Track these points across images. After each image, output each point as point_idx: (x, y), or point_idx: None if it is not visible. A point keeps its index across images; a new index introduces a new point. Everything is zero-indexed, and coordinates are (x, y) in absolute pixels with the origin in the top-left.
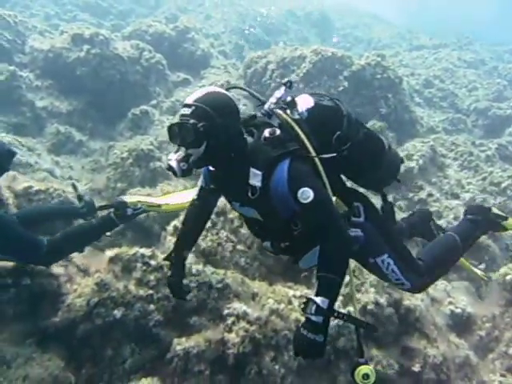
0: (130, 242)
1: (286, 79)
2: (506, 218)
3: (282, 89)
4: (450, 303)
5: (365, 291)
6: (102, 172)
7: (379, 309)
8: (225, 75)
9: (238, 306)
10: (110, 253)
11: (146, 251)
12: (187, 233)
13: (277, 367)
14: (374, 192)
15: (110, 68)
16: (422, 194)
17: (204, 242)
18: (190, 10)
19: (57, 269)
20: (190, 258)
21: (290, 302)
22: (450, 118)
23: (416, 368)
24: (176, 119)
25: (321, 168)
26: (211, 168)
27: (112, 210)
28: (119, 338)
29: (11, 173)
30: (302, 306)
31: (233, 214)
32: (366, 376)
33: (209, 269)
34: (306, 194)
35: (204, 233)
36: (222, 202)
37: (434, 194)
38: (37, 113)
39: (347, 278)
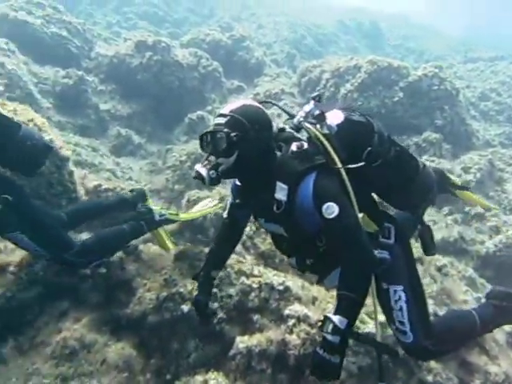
0: (189, 242)
1: (315, 93)
2: None
3: (312, 103)
4: None
5: None
6: (159, 174)
7: None
8: (278, 83)
9: (299, 309)
10: (175, 250)
11: None
12: (217, 252)
13: None
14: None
15: (170, 74)
16: (479, 208)
17: (263, 244)
18: (242, 18)
19: (128, 263)
20: (250, 259)
21: None
22: (507, 132)
23: None
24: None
25: (347, 182)
26: (238, 183)
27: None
28: (185, 332)
29: (82, 171)
30: (320, 323)
31: None
32: None
33: (269, 270)
34: (331, 209)
35: (263, 235)
36: None
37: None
38: (101, 115)
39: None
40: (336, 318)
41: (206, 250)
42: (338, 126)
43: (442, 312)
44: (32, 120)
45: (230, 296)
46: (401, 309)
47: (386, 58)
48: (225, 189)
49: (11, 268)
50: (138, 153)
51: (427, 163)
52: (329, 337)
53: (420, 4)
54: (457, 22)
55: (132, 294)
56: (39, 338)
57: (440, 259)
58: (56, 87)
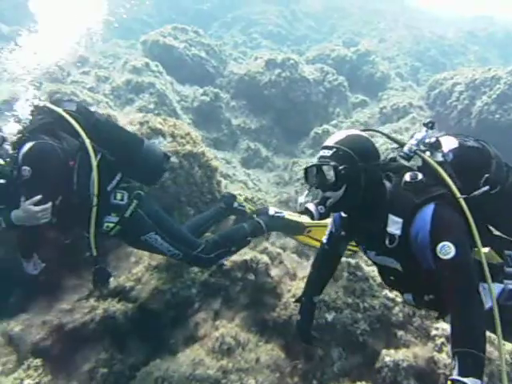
0: None
1: (427, 120)
2: None
3: (423, 130)
4: None
5: None
6: (285, 186)
7: None
8: (405, 97)
9: (446, 327)
10: None
11: (352, 261)
12: (316, 278)
13: None
14: None
15: (297, 89)
16: None
17: None
18: (364, 33)
19: (273, 270)
20: None
21: None
22: None
23: None
24: (314, 161)
25: (469, 214)
26: (343, 214)
27: (259, 215)
28: (328, 340)
29: (224, 181)
30: None
31: None
32: None
33: None
34: (447, 250)
35: None
36: None
37: None
38: (232, 130)
39: None
40: (469, 381)
41: (349, 260)
42: (453, 152)
43: None
44: (188, 134)
45: (373, 308)
46: None
47: None
48: None
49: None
50: (265, 165)
51: None
52: None
53: None
54: None
55: (278, 299)
56: (200, 333)
57: None
58: (194, 103)
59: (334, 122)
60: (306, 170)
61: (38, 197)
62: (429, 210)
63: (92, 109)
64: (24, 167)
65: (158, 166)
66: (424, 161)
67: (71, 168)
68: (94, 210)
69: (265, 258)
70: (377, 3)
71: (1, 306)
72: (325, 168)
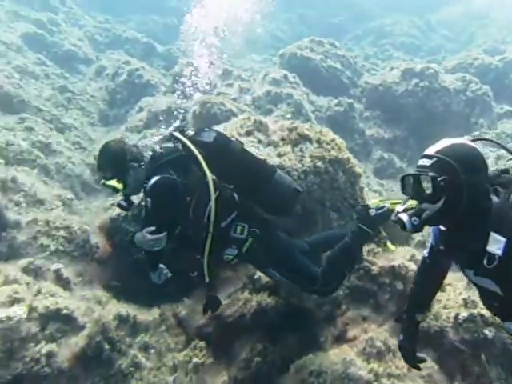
0: None
1: None
2: None
3: None
4: None
5: None
6: None
7: None
8: None
9: None
10: None
11: None
12: (418, 294)
13: None
14: None
15: (436, 99)
16: None
17: None
18: (508, 41)
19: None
20: None
21: None
22: None
23: None
24: (412, 170)
25: None
26: (442, 228)
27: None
28: (487, 357)
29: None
30: None
31: None
32: None
33: None
34: None
35: None
36: None
37: None
38: (366, 140)
39: None
40: None
41: None
42: None
43: None
44: (333, 140)
45: None
46: None
47: None
48: None
49: None
50: (398, 176)
51: None
52: None
53: None
54: None
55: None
56: (349, 334)
57: None
58: (327, 113)
59: (476, 132)
60: (403, 178)
61: (152, 228)
62: None
63: (232, 138)
64: (147, 198)
65: (286, 200)
66: None
67: (188, 203)
68: (209, 236)
69: (412, 266)
70: None
71: (158, 292)
72: (422, 178)
